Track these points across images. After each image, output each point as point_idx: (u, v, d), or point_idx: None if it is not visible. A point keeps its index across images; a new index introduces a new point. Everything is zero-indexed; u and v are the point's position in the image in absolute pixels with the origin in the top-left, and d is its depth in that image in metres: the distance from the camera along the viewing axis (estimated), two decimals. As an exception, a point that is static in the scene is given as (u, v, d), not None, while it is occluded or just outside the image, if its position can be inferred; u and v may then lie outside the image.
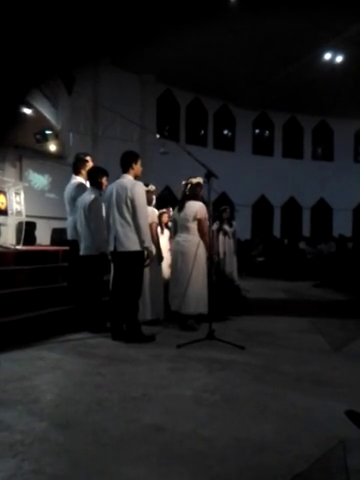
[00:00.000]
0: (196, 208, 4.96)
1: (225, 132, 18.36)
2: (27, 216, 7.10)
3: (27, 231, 6.98)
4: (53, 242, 8.42)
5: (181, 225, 5.07)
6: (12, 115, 8.05)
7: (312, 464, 1.95)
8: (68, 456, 2.03)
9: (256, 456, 2.05)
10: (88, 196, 4.75)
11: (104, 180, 4.88)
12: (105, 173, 4.92)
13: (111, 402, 2.69)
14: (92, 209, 4.64)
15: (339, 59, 13.36)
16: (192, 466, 1.96)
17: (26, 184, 8.26)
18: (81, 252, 4.76)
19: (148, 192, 5.07)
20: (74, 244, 4.96)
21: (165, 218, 6.21)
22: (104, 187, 4.87)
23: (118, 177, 4.53)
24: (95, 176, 4.87)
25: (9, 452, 2.05)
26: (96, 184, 4.83)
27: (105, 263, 4.79)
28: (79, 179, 5.11)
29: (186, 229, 5.00)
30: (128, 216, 4.29)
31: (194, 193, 5.05)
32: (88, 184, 5.09)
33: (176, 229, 5.19)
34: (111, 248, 4.39)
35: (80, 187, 5.02)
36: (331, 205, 18.89)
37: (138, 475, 1.88)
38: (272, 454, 2.06)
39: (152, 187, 5.45)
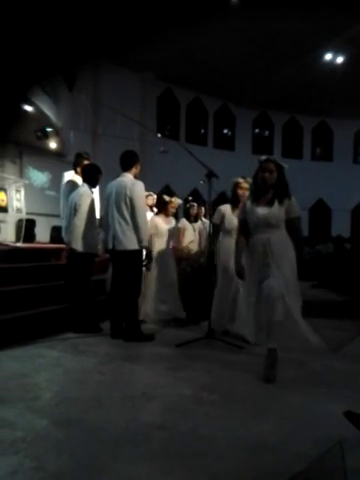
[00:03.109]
0: None
1: (225, 131, 18.38)
2: (27, 213, 7.11)
3: (27, 228, 7.00)
4: (52, 240, 8.43)
5: None
6: (12, 111, 8.04)
7: (310, 464, 1.98)
8: (69, 454, 2.05)
9: (255, 455, 2.07)
10: (79, 191, 4.73)
11: (98, 178, 4.87)
12: (99, 171, 4.90)
13: (111, 400, 2.72)
14: (81, 205, 4.59)
15: (340, 60, 13.39)
16: (191, 464, 1.99)
17: (26, 181, 8.27)
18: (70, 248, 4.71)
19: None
20: None
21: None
22: (97, 184, 4.91)
23: (117, 175, 4.53)
24: (89, 173, 4.85)
25: (11, 449, 2.07)
26: (89, 181, 4.81)
27: (91, 261, 4.75)
28: (74, 177, 5.18)
29: None
30: (127, 215, 4.30)
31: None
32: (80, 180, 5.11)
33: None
34: (109, 246, 4.40)
35: (68, 184, 5.15)
36: (330, 206, 18.92)
37: (138, 473, 1.91)
38: (271, 453, 2.09)
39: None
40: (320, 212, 18.93)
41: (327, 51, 13.11)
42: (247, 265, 3.54)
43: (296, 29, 11.60)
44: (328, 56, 13.32)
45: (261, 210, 3.44)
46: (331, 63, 13.45)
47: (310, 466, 1.95)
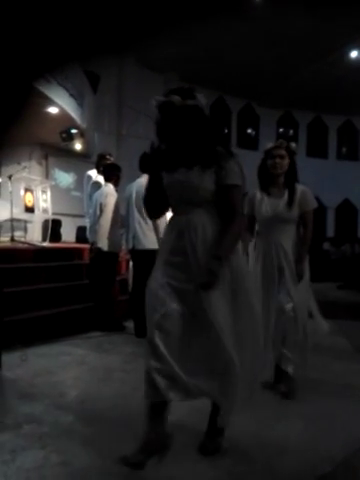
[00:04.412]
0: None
1: (249, 131, 18.25)
2: (53, 214, 7.23)
3: (53, 228, 7.12)
4: (78, 239, 8.54)
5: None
6: (36, 113, 8.12)
7: (336, 466, 1.95)
8: (94, 449, 2.08)
9: (279, 456, 2.06)
10: (103, 191, 4.80)
11: (119, 176, 4.93)
12: (118, 169, 4.97)
13: (135, 399, 2.72)
14: (106, 205, 4.67)
15: (366, 57, 13.14)
16: (215, 463, 1.99)
17: (52, 182, 8.41)
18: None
19: None
20: None
21: None
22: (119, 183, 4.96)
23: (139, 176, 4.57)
24: (108, 172, 4.92)
25: (38, 443, 2.12)
26: (109, 180, 4.87)
27: (114, 260, 4.80)
28: (98, 177, 5.28)
29: None
30: (146, 215, 4.34)
31: None
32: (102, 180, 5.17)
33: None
34: (130, 246, 4.48)
35: (94, 185, 5.26)
36: (356, 205, 18.58)
37: (162, 471, 1.92)
38: (295, 455, 2.07)
39: None
40: (346, 212, 18.60)
41: (352, 49, 12.89)
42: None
43: (321, 27, 11.44)
44: (354, 53, 13.08)
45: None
46: (357, 61, 13.20)
47: (335, 469, 1.93)
